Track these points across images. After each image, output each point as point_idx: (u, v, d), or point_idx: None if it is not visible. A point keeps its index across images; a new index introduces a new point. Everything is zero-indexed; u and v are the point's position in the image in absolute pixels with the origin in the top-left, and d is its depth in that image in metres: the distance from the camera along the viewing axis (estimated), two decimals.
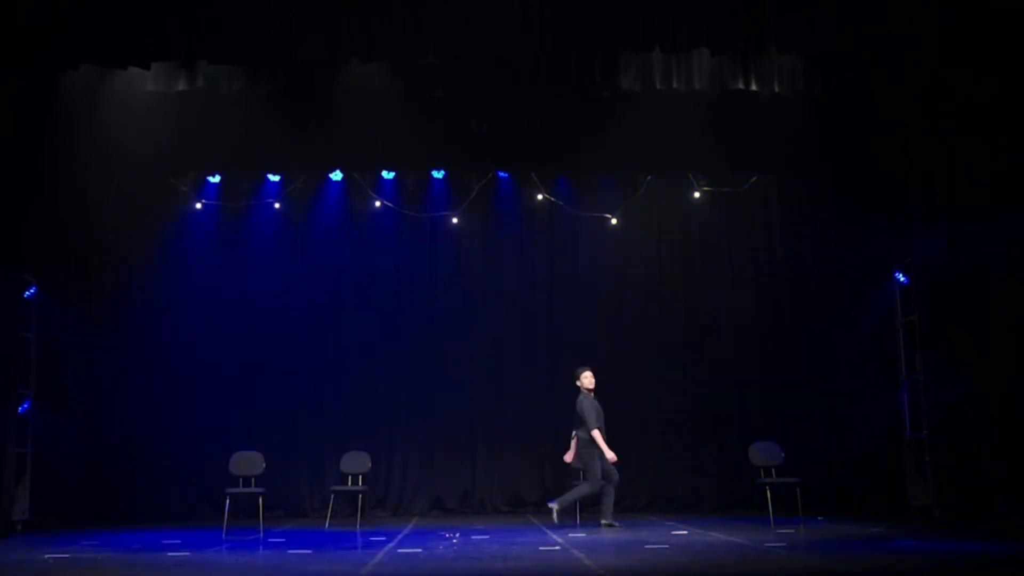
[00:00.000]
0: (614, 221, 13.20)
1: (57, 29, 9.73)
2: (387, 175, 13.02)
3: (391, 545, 9.19)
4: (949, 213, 10.87)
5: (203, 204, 12.94)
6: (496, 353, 13.12)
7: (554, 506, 10.48)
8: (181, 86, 10.78)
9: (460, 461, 12.90)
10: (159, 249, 12.91)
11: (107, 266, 12.58)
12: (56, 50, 9.91)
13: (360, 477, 11.40)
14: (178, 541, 9.61)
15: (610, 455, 10.42)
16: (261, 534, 10.28)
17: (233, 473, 10.62)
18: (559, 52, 10.55)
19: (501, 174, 13.11)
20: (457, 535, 9.99)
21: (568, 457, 10.88)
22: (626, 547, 8.82)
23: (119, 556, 8.60)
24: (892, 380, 12.20)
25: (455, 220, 13.21)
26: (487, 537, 9.84)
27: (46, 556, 8.59)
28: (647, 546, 8.81)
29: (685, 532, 10.07)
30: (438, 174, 13.08)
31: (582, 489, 10.49)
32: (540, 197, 13.20)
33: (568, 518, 10.62)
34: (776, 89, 10.93)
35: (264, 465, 10.69)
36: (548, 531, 10.19)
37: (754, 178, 12.95)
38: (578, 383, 10.74)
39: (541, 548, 8.79)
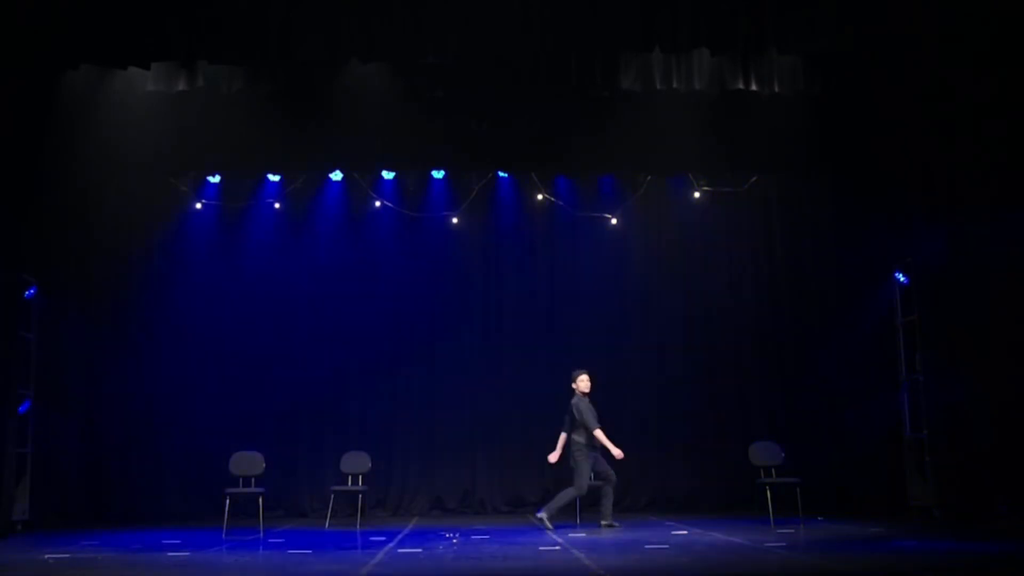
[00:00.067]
0: (614, 221, 13.20)
1: (57, 29, 9.73)
2: (387, 175, 13.02)
3: (391, 545, 9.20)
4: (949, 213, 10.87)
5: (203, 204, 12.94)
6: (496, 353, 13.12)
7: (543, 515, 10.42)
8: (181, 86, 10.77)
9: (460, 461, 12.90)
10: (159, 249, 12.92)
11: (107, 266, 12.59)
12: (56, 50, 9.91)
13: (360, 477, 11.41)
14: (178, 541, 9.61)
15: (616, 452, 10.40)
16: (261, 534, 10.28)
17: (233, 473, 10.62)
18: (559, 52, 10.54)
19: (501, 174, 13.11)
20: (457, 535, 9.99)
21: (552, 457, 10.82)
22: (626, 547, 8.82)
23: (119, 556, 8.60)
24: (892, 380, 12.20)
25: (455, 220, 13.21)
26: (487, 537, 9.84)
27: (46, 556, 8.59)
28: (647, 546, 8.81)
29: (685, 532, 10.07)
30: (438, 174, 13.07)
31: (568, 494, 10.45)
32: (540, 197, 13.20)
33: (567, 518, 10.61)
34: (776, 89, 10.92)
35: (264, 465, 10.69)
36: (548, 531, 10.18)
37: (754, 178, 12.95)
38: (573, 385, 10.72)
39: (541, 548, 8.80)
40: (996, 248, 10.20)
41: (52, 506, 11.50)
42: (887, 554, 8.17)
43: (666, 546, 8.82)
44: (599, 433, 10.42)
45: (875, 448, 12.11)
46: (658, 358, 13.12)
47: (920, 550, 8.38)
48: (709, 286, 13.31)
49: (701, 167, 12.79)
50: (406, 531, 10.66)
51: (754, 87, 10.81)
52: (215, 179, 12.86)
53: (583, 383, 10.71)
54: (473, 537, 9.82)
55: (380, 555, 8.42)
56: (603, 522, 10.47)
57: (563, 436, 10.73)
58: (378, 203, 13.10)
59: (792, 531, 9.91)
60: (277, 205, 13.08)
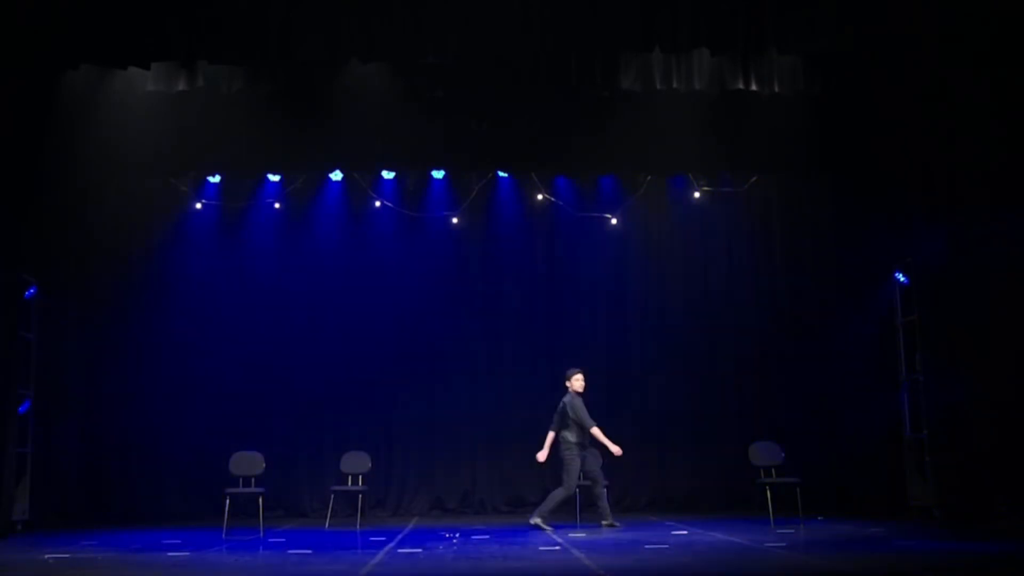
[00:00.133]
0: (614, 221, 13.20)
1: (57, 29, 9.73)
2: (387, 175, 13.02)
3: (391, 545, 9.20)
4: (949, 213, 10.86)
5: (203, 204, 12.94)
6: (496, 353, 13.13)
7: (536, 520, 10.38)
8: (181, 86, 10.78)
9: (460, 461, 12.91)
10: (159, 249, 12.91)
11: (107, 266, 12.59)
12: (56, 50, 9.91)
13: (360, 477, 11.40)
14: (178, 541, 9.61)
15: (615, 449, 10.38)
16: (261, 534, 10.28)
17: (233, 473, 10.61)
18: (559, 52, 10.54)
19: (501, 174, 13.11)
20: (457, 535, 9.99)
21: (541, 456, 10.74)
22: (626, 547, 8.82)
23: (119, 556, 8.60)
24: (892, 380, 12.19)
25: (455, 220, 13.21)
26: (487, 537, 9.84)
27: (46, 556, 8.59)
28: (647, 546, 8.81)
29: (685, 532, 10.07)
30: (438, 174, 13.07)
31: (557, 494, 10.40)
32: (540, 197, 13.20)
33: (568, 518, 10.61)
34: (776, 89, 10.92)
35: (264, 465, 10.68)
36: (548, 531, 10.18)
37: (754, 178, 12.94)
38: (568, 384, 10.70)
39: (541, 548, 8.80)
40: (996, 248, 10.18)
41: (52, 506, 11.50)
42: (887, 554, 8.17)
43: (666, 546, 8.82)
44: (596, 431, 10.40)
45: (875, 448, 12.11)
46: (658, 358, 13.12)
47: (920, 550, 8.38)
48: (709, 286, 13.31)
49: (701, 167, 12.79)
50: (406, 531, 10.66)
51: (754, 87, 10.81)
52: (215, 179, 12.86)
53: (577, 382, 10.69)
54: (473, 537, 9.83)
55: (380, 555, 8.42)
56: (604, 522, 10.46)
57: (551, 434, 10.67)
58: (378, 203, 13.10)
59: (792, 531, 9.91)
60: (277, 205, 13.08)
